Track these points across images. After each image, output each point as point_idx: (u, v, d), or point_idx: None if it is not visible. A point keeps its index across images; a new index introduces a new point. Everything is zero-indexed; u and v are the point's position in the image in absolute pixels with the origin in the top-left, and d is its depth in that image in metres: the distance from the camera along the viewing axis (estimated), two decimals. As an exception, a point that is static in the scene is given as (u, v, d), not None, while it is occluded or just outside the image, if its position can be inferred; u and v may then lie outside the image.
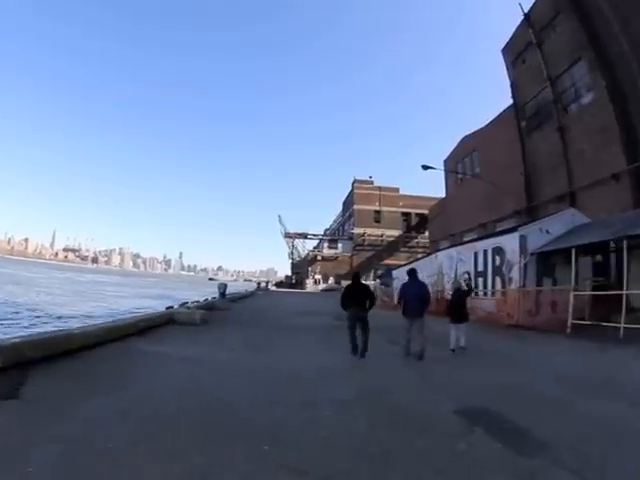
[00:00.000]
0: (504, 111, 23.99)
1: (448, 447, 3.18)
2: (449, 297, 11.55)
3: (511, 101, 23.48)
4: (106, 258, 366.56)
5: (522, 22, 21.97)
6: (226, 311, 15.32)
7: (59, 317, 18.06)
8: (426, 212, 48.05)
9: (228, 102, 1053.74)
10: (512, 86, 23.25)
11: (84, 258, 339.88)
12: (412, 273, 7.88)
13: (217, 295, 18.54)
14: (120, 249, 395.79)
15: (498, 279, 13.80)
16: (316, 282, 56.89)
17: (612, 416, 4.07)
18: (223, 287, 18.27)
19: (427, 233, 52.84)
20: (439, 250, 20.13)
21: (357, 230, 60.33)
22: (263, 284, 57.64)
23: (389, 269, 28.80)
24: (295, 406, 4.08)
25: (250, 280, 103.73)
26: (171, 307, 12.21)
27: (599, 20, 16.57)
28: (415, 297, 7.39)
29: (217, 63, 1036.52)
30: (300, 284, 58.23)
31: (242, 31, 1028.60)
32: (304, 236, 69.04)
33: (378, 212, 60.85)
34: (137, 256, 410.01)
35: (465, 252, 16.46)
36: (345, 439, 3.29)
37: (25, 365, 4.71)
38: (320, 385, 5.08)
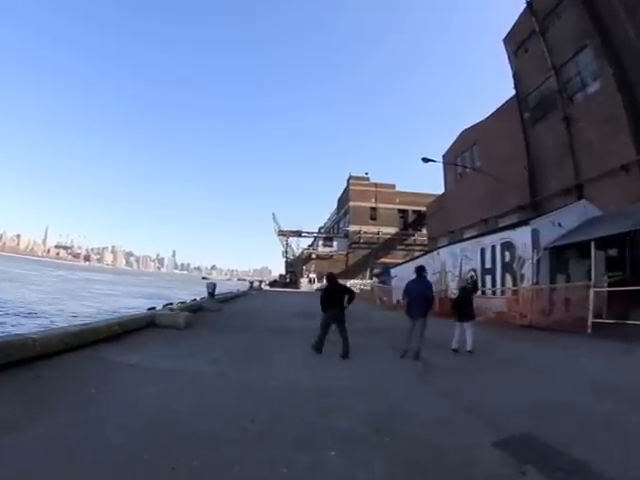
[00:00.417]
0: (506, 103, 23.22)
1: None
2: (453, 296, 10.91)
3: (513, 92, 22.64)
4: (98, 256, 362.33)
5: (524, 10, 21.31)
6: (215, 313, 14.25)
7: (42, 316, 17.19)
8: (423, 209, 47.30)
9: (227, 99, 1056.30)
10: (514, 76, 22.51)
11: (76, 256, 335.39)
12: (420, 271, 7.48)
13: (206, 295, 17.35)
14: (113, 247, 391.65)
15: (508, 276, 12.88)
16: (311, 281, 55.81)
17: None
18: (212, 287, 16.91)
19: (424, 230, 52.27)
20: (441, 247, 19.17)
21: (353, 227, 59.32)
22: (256, 283, 56.21)
23: (387, 267, 27.96)
24: (290, 444, 3.16)
25: (244, 279, 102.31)
26: (153, 308, 11.12)
27: (604, 7, 15.99)
28: (420, 297, 7.07)
29: (217, 59, 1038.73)
30: (294, 283, 57.17)
31: (242, 27, 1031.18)
32: (298, 234, 67.87)
33: (374, 209, 59.88)
34: (130, 254, 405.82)
35: (470, 248, 15.52)
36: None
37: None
38: (320, 409, 4.12)
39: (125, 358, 5.91)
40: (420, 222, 57.57)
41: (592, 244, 10.33)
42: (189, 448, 2.97)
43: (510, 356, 7.45)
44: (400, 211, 60.75)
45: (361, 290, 40.21)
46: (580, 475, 2.75)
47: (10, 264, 78.18)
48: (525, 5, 21.01)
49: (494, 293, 13.68)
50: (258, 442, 3.15)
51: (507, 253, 12.98)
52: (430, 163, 19.80)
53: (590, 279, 11.45)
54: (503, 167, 21.22)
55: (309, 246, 71.43)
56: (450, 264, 16.41)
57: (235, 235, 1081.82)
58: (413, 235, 59.58)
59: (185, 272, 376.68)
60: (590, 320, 9.26)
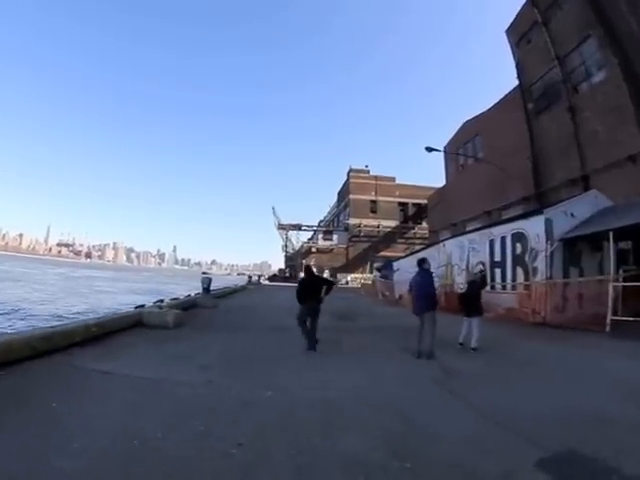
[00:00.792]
0: (509, 93, 22.86)
1: None
2: (460, 290, 10.47)
3: (512, 86, 22.55)
4: (100, 253, 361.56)
5: (526, 2, 21.11)
6: (210, 309, 13.59)
7: (30, 315, 16.73)
8: (423, 202, 46.76)
9: (226, 97, 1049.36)
10: (517, 67, 22.17)
11: (78, 253, 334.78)
12: (421, 263, 7.12)
13: (201, 291, 16.37)
14: (114, 243, 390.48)
15: (519, 270, 12.12)
16: (311, 275, 55.31)
17: None
18: (207, 281, 15.90)
19: (425, 223, 51.75)
20: (447, 239, 18.50)
21: (353, 221, 58.79)
22: (255, 278, 55.20)
23: (389, 261, 27.38)
24: (287, 477, 2.60)
25: (243, 274, 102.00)
26: (142, 306, 10.40)
27: (606, -2, 15.98)
28: (422, 291, 6.80)
29: (216, 58, 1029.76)
30: (294, 277, 56.63)
31: (242, 27, 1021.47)
32: (298, 227, 67.36)
33: (374, 202, 59.31)
34: (131, 250, 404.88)
35: (478, 240, 14.68)
36: None
37: None
38: (325, 428, 3.45)
39: (101, 365, 5.31)
40: (420, 215, 57.15)
41: (610, 235, 9.77)
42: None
43: (530, 357, 6.91)
44: (400, 204, 60.26)
45: (362, 284, 39.91)
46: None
47: (13, 263, 77.80)
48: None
49: (504, 288, 12.98)
50: (244, 475, 2.60)
51: (518, 245, 12.25)
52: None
53: (602, 273, 11.04)
54: (506, 158, 20.73)
55: (309, 240, 70.91)
56: (456, 256, 15.67)
57: (235, 230, 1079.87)
58: (413, 228, 59.18)
59: (186, 267, 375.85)
60: (609, 317, 8.75)
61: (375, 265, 37.89)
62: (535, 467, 2.72)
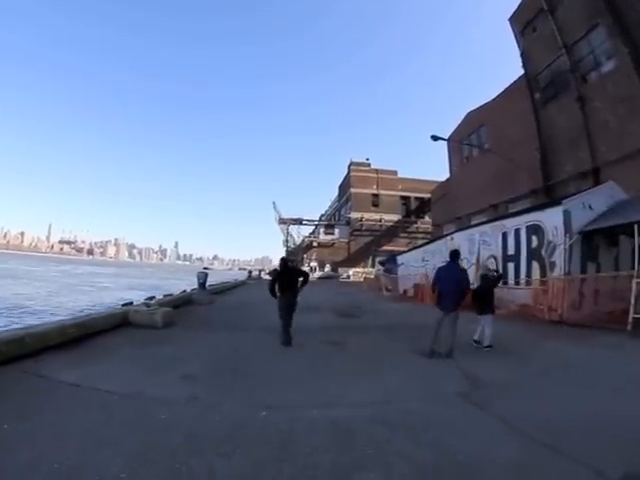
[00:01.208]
0: (514, 82, 22.16)
1: None
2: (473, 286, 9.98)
3: (513, 79, 22.02)
4: (102, 249, 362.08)
5: None
6: (205, 306, 12.94)
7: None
8: (426, 196, 46.19)
9: (226, 90, 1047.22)
10: (522, 56, 21.47)
11: (80, 250, 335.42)
12: (455, 256, 6.68)
13: (197, 286, 15.48)
14: (115, 240, 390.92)
15: (535, 264, 11.44)
16: (312, 270, 54.87)
17: None
18: (203, 277, 15.07)
19: (427, 218, 51.14)
20: (455, 231, 17.75)
21: (354, 214, 58.18)
22: (255, 272, 54.36)
23: (393, 255, 26.84)
24: None
25: (245, 269, 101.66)
26: (129, 303, 9.60)
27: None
28: (453, 286, 6.24)
29: (216, 50, 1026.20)
30: (296, 272, 56.06)
31: (241, 18, 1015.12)
32: (299, 222, 66.72)
33: (376, 196, 58.67)
34: (132, 246, 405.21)
35: (490, 232, 13.90)
36: None
37: None
38: (337, 463, 2.75)
39: (71, 374, 4.70)
40: (423, 209, 56.58)
41: (635, 228, 9.19)
42: None
43: (555, 360, 6.28)
44: (402, 198, 59.67)
45: (365, 279, 39.41)
46: None
47: (17, 261, 77.56)
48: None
49: (517, 283, 12.29)
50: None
51: (534, 237, 11.53)
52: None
53: (618, 268, 10.61)
54: (513, 149, 20.16)
55: (310, 234, 70.33)
56: (466, 250, 14.70)
57: (236, 225, 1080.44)
58: (416, 222, 58.61)
59: (187, 263, 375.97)
60: (631, 315, 8.21)
61: (378, 259, 37.42)
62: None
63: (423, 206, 55.86)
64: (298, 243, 68.47)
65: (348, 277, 48.64)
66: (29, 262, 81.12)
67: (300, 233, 70.09)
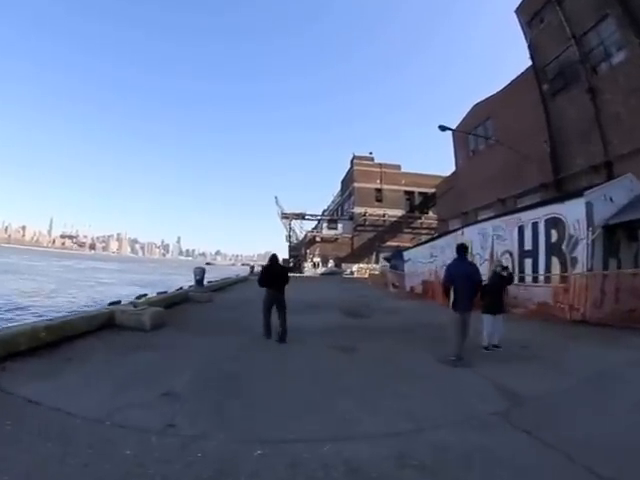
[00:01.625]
0: (522, 74, 21.69)
1: None
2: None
3: (515, 75, 21.70)
4: (104, 244, 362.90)
5: None
6: (202, 304, 12.32)
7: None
8: (430, 191, 45.47)
9: (227, 85, 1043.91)
10: (530, 47, 20.96)
11: (81, 245, 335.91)
12: (461, 250, 6.27)
13: (194, 283, 14.42)
14: (118, 235, 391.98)
15: (555, 260, 10.76)
16: (315, 265, 54.29)
17: None
18: (200, 273, 14.00)
19: (431, 213, 50.41)
20: (466, 226, 17.09)
21: (357, 209, 57.48)
22: (258, 268, 54.06)
23: (399, 250, 26.26)
24: None
25: (247, 264, 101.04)
26: (117, 302, 8.86)
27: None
28: (466, 283, 5.87)
29: (216, 46, 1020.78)
30: (297, 268, 55.51)
31: (242, 14, 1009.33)
32: (302, 217, 65.98)
33: (379, 190, 57.93)
34: (135, 241, 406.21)
35: (505, 226, 13.09)
36: None
37: None
38: None
39: (33, 387, 4.10)
40: (427, 204, 55.86)
41: None
42: None
43: (594, 367, 5.56)
44: (406, 193, 58.90)
45: (370, 275, 38.77)
46: None
47: (18, 256, 77.46)
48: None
49: (535, 280, 11.56)
50: None
51: (554, 231, 10.85)
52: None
53: (637, 264, 10.15)
54: (521, 142, 19.64)
55: (313, 229, 69.70)
56: (478, 245, 14.05)
57: (239, 221, 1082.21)
58: (420, 218, 57.81)
59: (190, 258, 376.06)
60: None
61: (383, 255, 36.86)
62: None
63: (427, 201, 55.14)
64: (301, 238, 67.85)
65: (352, 273, 48.10)
66: (31, 257, 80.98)
67: (303, 228, 69.51)
